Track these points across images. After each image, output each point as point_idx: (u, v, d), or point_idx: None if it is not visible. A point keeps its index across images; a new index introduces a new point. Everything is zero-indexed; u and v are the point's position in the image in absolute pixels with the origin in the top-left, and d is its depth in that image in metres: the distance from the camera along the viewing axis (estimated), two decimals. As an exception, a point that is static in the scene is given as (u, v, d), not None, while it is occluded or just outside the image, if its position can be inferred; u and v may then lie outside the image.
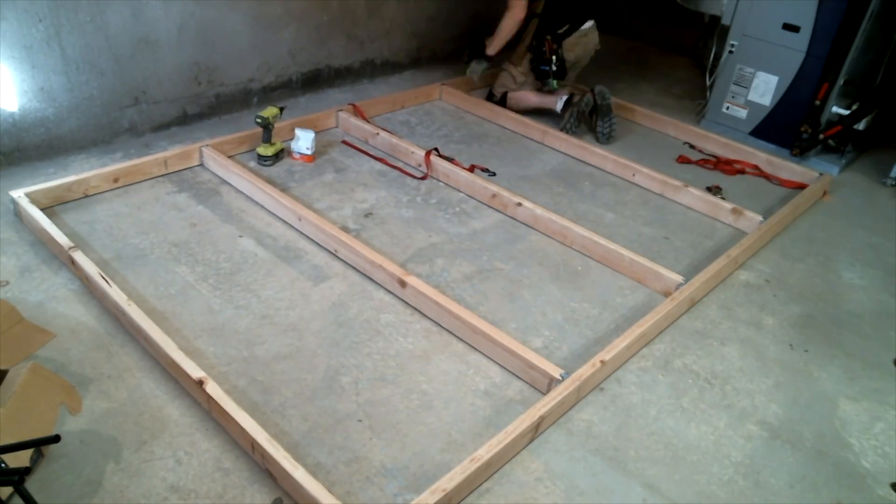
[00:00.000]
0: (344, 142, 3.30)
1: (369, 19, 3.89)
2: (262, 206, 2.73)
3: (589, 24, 3.63)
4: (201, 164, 2.98)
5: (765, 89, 3.70)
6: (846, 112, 3.53)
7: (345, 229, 2.62)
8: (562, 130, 3.55)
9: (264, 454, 1.62)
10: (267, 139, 3.01)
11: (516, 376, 2.05)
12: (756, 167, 3.47)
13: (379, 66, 4.11)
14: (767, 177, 3.43)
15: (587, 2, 3.66)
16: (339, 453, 1.75)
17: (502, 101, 3.79)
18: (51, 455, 1.66)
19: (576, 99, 3.58)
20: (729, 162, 3.51)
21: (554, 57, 3.58)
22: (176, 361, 1.84)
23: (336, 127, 3.47)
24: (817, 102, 3.51)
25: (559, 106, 3.63)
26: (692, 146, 3.67)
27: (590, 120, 3.63)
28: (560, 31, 3.58)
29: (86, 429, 1.74)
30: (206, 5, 3.11)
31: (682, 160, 3.52)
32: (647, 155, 3.51)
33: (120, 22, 2.86)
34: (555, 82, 3.63)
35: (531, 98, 3.73)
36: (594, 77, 3.94)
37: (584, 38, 3.62)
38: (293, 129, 3.09)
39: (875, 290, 2.67)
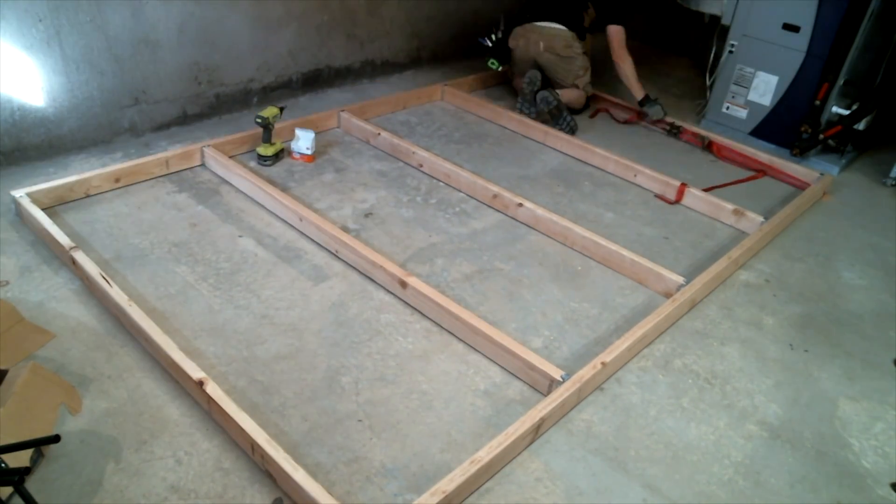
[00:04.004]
0: None
1: (369, 19, 3.89)
2: (263, 206, 2.73)
3: (551, 24, 3.67)
4: (202, 165, 2.98)
5: (765, 89, 3.70)
6: (846, 112, 3.53)
7: (345, 229, 2.62)
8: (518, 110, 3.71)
9: (264, 455, 1.62)
10: (267, 139, 3.01)
11: (517, 377, 2.05)
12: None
13: (379, 66, 4.11)
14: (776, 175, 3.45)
15: (560, 6, 3.73)
16: (339, 453, 1.75)
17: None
18: (51, 455, 1.66)
19: (525, 88, 3.69)
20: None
21: (492, 35, 3.74)
22: (176, 362, 1.84)
23: (337, 127, 3.47)
24: (817, 102, 3.51)
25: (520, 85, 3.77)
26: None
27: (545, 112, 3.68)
28: (519, 19, 3.71)
29: (86, 429, 1.74)
30: (206, 5, 3.11)
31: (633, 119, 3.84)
32: (647, 155, 3.51)
33: (120, 22, 2.86)
34: (491, 61, 3.78)
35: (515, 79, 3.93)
36: (597, 76, 3.93)
37: (532, 33, 3.67)
38: (293, 129, 3.09)
39: (875, 290, 2.67)
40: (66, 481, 1.61)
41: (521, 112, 3.70)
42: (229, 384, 1.91)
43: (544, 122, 3.61)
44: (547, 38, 3.67)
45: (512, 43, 3.75)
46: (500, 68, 3.85)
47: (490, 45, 3.73)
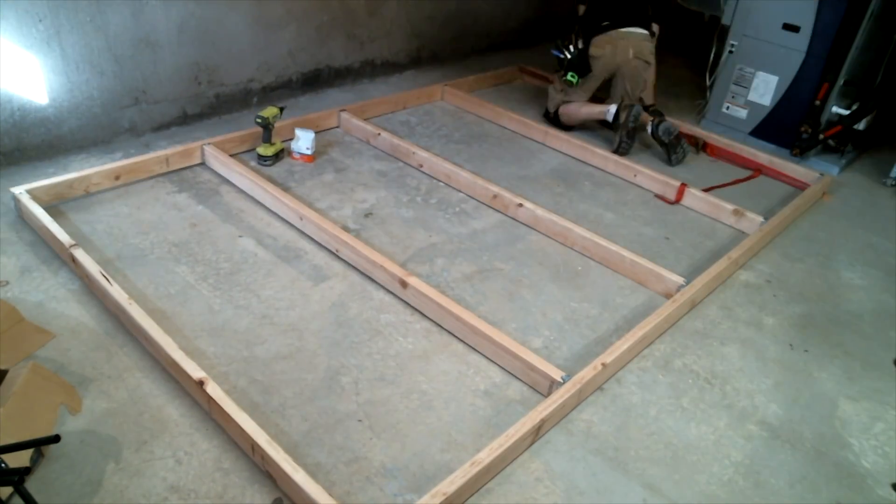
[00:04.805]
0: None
1: (369, 19, 3.89)
2: (263, 206, 2.73)
3: (638, 30, 3.47)
4: (203, 163, 2.98)
5: (765, 89, 3.70)
6: (846, 112, 3.54)
7: (345, 229, 2.62)
8: (615, 153, 3.38)
9: (264, 456, 1.62)
10: (267, 139, 3.01)
11: (517, 377, 2.05)
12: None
13: (379, 66, 4.11)
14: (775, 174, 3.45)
15: (638, 7, 3.52)
16: (339, 453, 1.75)
17: (556, 120, 3.66)
18: (51, 455, 1.66)
19: (622, 117, 3.38)
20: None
21: (571, 46, 3.43)
22: (176, 361, 1.84)
23: (337, 127, 3.47)
24: (817, 102, 3.51)
25: (609, 114, 3.45)
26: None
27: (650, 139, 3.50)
28: (597, 27, 3.45)
29: (86, 429, 1.74)
30: (206, 5, 3.11)
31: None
32: (647, 155, 3.51)
33: (120, 22, 2.86)
34: (571, 75, 3.43)
35: (581, 110, 3.56)
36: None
37: (621, 40, 3.44)
38: (293, 129, 3.09)
39: (875, 290, 2.67)
40: (66, 481, 1.61)
41: (621, 153, 3.39)
42: (229, 384, 1.91)
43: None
44: (636, 43, 3.46)
45: (596, 51, 3.43)
46: (577, 82, 3.47)
47: (568, 56, 3.38)
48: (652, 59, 3.53)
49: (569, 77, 3.43)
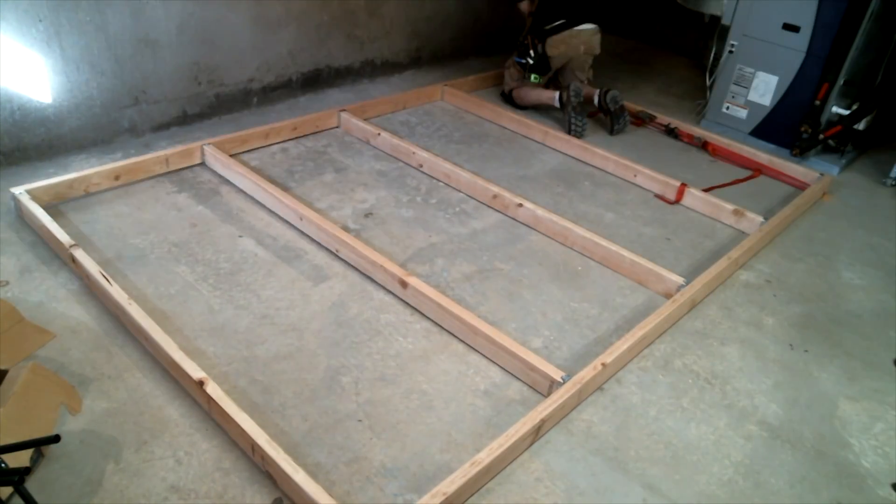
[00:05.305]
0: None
1: (369, 19, 3.89)
2: (263, 206, 2.73)
3: (586, 26, 3.68)
4: (202, 163, 2.98)
5: (765, 89, 3.70)
6: (846, 112, 3.53)
7: (345, 229, 2.62)
8: (569, 134, 3.56)
9: (265, 456, 1.62)
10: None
11: (517, 377, 2.05)
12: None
13: (379, 66, 4.11)
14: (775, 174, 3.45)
15: (587, 3, 3.71)
16: (339, 453, 1.75)
17: (510, 99, 3.91)
18: (51, 455, 1.66)
19: (565, 97, 3.60)
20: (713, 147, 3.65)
21: (532, 51, 3.70)
22: (176, 362, 1.84)
23: (337, 127, 3.47)
24: (817, 102, 3.51)
25: (556, 100, 3.68)
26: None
27: (598, 114, 3.78)
28: (549, 28, 3.65)
29: (86, 429, 1.74)
30: (206, 5, 3.11)
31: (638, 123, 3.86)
32: (647, 155, 3.51)
33: (120, 22, 2.86)
34: (533, 76, 3.77)
35: (530, 94, 3.82)
36: (595, 77, 3.94)
37: (574, 38, 3.66)
38: (294, 128, 3.08)
39: (875, 290, 2.67)
40: (66, 481, 1.61)
41: (575, 133, 3.55)
42: (229, 384, 1.91)
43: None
44: (586, 39, 3.70)
45: (552, 52, 3.68)
46: (541, 80, 3.81)
47: (532, 62, 3.71)
48: (598, 49, 3.79)
49: (532, 79, 3.79)
